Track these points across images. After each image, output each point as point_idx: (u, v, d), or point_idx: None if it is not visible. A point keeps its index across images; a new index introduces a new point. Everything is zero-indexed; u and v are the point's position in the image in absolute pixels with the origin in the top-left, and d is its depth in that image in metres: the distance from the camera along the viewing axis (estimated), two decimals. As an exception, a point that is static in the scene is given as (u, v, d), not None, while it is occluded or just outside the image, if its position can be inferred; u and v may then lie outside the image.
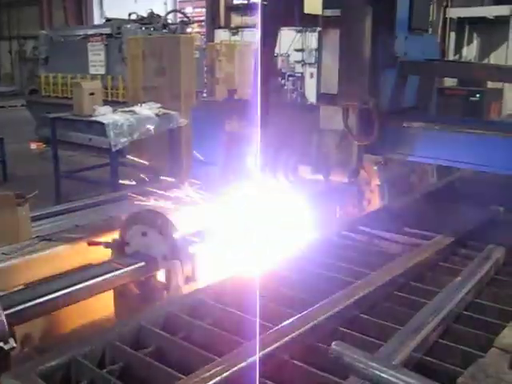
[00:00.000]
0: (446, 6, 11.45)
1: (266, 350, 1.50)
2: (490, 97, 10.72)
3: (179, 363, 1.60)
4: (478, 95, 10.53)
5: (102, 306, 2.32)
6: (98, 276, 2.03)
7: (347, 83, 2.47)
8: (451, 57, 12.26)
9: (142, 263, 2.16)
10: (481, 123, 3.28)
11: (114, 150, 6.67)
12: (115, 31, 9.79)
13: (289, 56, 14.37)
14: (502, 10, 10.88)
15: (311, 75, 14.70)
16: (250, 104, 2.72)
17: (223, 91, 11.89)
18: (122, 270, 2.09)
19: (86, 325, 2.32)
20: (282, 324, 1.64)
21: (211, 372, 1.42)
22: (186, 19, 11.76)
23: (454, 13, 11.51)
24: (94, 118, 6.88)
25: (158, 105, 7.42)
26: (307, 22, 2.78)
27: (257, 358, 1.44)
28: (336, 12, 2.51)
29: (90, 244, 2.33)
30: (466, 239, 2.50)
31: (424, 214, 2.92)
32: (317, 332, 1.67)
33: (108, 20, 11.49)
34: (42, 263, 2.29)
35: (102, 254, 2.40)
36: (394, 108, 2.67)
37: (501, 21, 11.37)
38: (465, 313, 1.85)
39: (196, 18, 14.95)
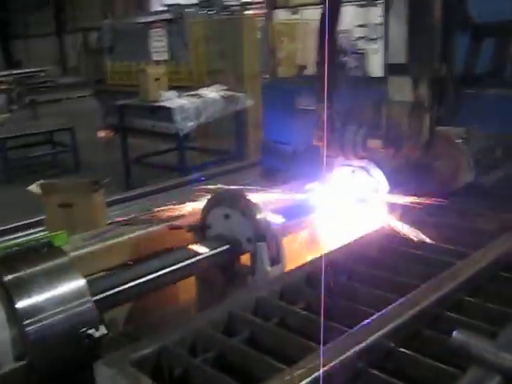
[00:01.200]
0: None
1: (371, 339, 1.37)
2: None
3: (275, 350, 1.51)
4: None
5: (185, 291, 2.27)
6: (181, 261, 1.96)
7: (417, 50, 2.29)
8: None
9: (226, 246, 2.08)
10: None
11: (181, 134, 6.68)
12: (176, 16, 9.80)
13: (350, 32, 13.96)
14: None
15: (374, 51, 14.25)
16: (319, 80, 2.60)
17: (285, 72, 11.75)
18: (205, 254, 2.02)
19: (170, 310, 2.28)
20: (386, 309, 1.51)
21: (313, 363, 1.31)
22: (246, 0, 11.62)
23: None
24: (160, 103, 6.91)
25: (224, 87, 7.37)
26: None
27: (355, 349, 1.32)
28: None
29: (171, 228, 2.27)
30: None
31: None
32: (423, 318, 1.53)
33: (168, 6, 11.53)
34: (124, 248, 2.26)
35: (184, 237, 2.35)
36: (469, 75, 2.46)
37: None
38: None
39: (255, -1, 14.76)
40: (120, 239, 2.28)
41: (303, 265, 1.96)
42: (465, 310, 1.63)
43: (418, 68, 2.38)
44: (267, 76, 11.06)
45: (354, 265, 1.98)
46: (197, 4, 10.45)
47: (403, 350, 1.41)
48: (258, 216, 2.08)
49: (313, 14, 14.10)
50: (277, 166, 3.07)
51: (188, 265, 1.99)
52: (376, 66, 14.03)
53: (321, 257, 1.94)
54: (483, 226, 2.22)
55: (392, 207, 2.44)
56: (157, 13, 11.58)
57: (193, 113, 6.75)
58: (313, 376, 1.26)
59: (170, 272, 1.91)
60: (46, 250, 1.63)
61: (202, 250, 2.04)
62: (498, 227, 2.20)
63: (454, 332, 1.20)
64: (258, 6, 15.23)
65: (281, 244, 2.09)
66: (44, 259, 1.58)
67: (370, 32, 14.14)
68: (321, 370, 1.25)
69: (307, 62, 11.65)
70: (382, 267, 1.94)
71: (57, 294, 1.52)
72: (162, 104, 6.83)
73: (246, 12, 11.88)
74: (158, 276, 1.87)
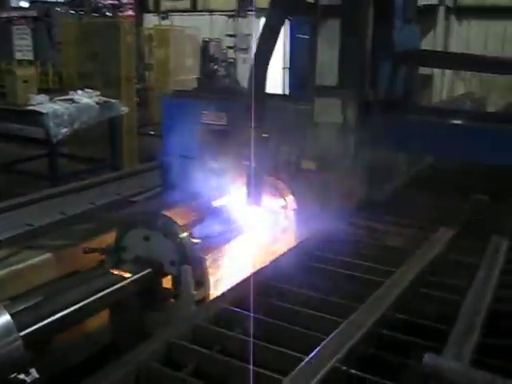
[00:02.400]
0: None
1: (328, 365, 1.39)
2: (421, 83, 11.06)
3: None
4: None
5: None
6: (105, 288, 1.84)
7: (349, 75, 2.40)
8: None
9: (148, 270, 2.00)
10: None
11: (54, 141, 6.28)
12: (43, 14, 9.22)
13: (221, 42, 14.16)
14: (430, -1, 11.20)
15: (243, 60, 14.58)
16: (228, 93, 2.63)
17: (155, 78, 11.56)
18: (129, 280, 1.92)
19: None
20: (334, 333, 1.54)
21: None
22: (116, 2, 11.28)
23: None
24: (31, 108, 6.43)
25: (98, 92, 7.05)
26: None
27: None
28: (334, 1, 2.42)
29: (85, 252, 2.13)
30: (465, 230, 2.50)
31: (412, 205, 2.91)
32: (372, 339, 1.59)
33: (33, 2, 10.81)
34: (30, 273, 2.08)
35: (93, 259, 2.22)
36: (390, 98, 2.65)
37: (429, 9, 11.73)
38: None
39: (126, 1, 14.36)
40: (27, 263, 2.10)
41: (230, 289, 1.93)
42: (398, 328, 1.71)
43: (349, 92, 2.50)
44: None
45: (280, 285, 2.00)
46: (64, 3, 9.93)
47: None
48: (181, 237, 2.03)
49: (182, 21, 14.09)
50: (177, 184, 3.01)
51: (114, 291, 1.88)
52: (245, 74, 14.40)
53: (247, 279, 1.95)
54: (392, 243, 2.38)
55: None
56: (21, 9, 10.79)
57: (67, 119, 6.38)
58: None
59: (96, 300, 1.79)
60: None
61: (124, 274, 1.94)
62: (403, 243, 2.38)
63: (425, 356, 1.26)
64: (130, 8, 14.86)
65: (205, 266, 2.06)
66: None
67: (240, 42, 14.47)
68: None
69: (176, 70, 11.59)
70: (307, 286, 2.00)
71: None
72: (32, 108, 6.36)
73: (118, 14, 11.55)
74: (83, 306, 1.75)
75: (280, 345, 1.56)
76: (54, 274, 2.13)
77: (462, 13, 12.07)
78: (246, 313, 1.73)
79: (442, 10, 11.19)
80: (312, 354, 1.39)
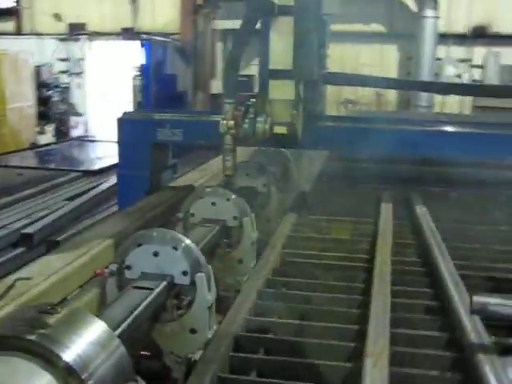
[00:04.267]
0: (213, 18, 12.25)
1: None
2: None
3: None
4: (253, 99, 11.57)
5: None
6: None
7: (301, 60, 2.83)
8: (219, 65, 13.18)
9: (164, 284, 2.08)
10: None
11: None
12: None
13: (52, 66, 13.60)
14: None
15: (78, 85, 14.18)
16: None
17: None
18: (154, 293, 1.99)
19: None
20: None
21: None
22: None
23: (219, 24, 12.37)
24: None
25: None
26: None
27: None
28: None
29: (94, 276, 2.12)
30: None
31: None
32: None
33: None
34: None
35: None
36: None
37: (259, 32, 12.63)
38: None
39: None
40: (27, 296, 2.03)
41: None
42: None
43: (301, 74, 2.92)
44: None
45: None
46: None
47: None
48: (192, 248, 2.15)
49: (7, 45, 13.23)
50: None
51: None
52: (81, 99, 13.99)
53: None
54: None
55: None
56: None
57: None
58: None
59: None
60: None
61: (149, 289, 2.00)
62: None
63: (474, 296, 1.56)
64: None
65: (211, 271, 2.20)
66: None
67: (73, 66, 14.02)
68: None
69: (14, 96, 10.93)
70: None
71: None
72: None
73: None
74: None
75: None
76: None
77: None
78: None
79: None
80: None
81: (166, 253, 2.13)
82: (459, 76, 12.57)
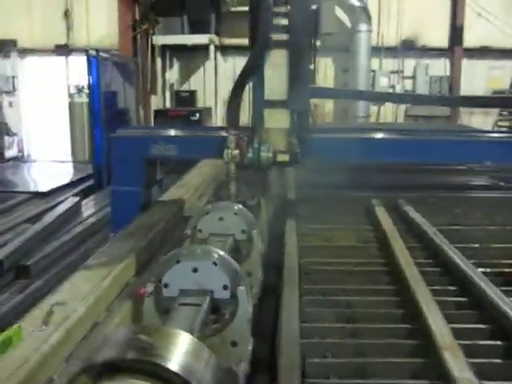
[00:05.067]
0: (153, 34, 12.19)
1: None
2: (204, 115, 11.95)
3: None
4: (197, 114, 11.63)
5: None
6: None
7: (296, 91, 2.95)
8: (160, 79, 13.11)
9: (208, 298, 2.09)
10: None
11: None
12: None
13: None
14: (200, 39, 12.12)
15: (10, 104, 13.66)
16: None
17: None
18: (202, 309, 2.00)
19: None
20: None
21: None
22: None
23: (158, 40, 12.32)
24: None
25: None
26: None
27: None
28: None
29: (135, 299, 2.09)
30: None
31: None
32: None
33: None
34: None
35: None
36: None
37: (198, 48, 12.69)
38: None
39: None
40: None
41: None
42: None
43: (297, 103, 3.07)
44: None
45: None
46: None
47: None
48: (231, 262, 2.17)
49: None
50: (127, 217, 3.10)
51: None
52: (14, 118, 13.47)
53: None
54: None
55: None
56: None
57: None
58: None
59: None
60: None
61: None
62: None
63: None
64: None
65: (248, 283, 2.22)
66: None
67: (3, 84, 13.48)
68: None
69: None
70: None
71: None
72: None
73: None
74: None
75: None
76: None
77: (227, 51, 13.34)
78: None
79: (212, 48, 12.20)
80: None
81: (205, 268, 2.14)
82: (392, 87, 13.17)
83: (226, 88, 13.54)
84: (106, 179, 8.90)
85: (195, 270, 2.15)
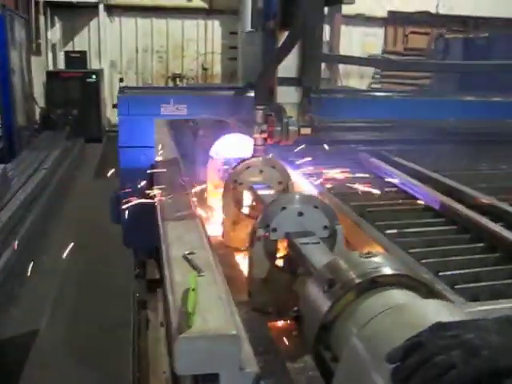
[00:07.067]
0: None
1: None
2: (100, 76, 11.57)
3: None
4: (94, 76, 11.22)
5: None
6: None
7: (310, 70, 3.27)
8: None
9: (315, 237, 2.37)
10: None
11: None
12: None
13: None
14: (88, -4, 11.62)
15: None
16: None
17: None
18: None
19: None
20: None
21: None
22: None
23: (42, -4, 11.56)
24: None
25: None
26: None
27: None
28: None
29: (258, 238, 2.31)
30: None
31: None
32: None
33: None
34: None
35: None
36: None
37: (83, 6, 12.13)
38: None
39: None
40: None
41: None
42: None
43: (308, 80, 3.24)
44: None
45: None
46: None
47: None
48: (327, 205, 2.47)
49: None
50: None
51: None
52: None
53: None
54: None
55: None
56: None
57: None
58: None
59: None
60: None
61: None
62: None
63: None
64: None
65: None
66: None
67: None
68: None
69: None
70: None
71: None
72: None
73: None
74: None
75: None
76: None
77: (113, 10, 12.90)
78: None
79: (101, 7, 11.74)
80: None
81: (309, 212, 2.42)
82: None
83: (113, 50, 13.15)
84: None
85: (300, 214, 2.42)
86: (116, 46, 13.18)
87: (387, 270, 1.59)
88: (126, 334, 3.82)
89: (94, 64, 12.70)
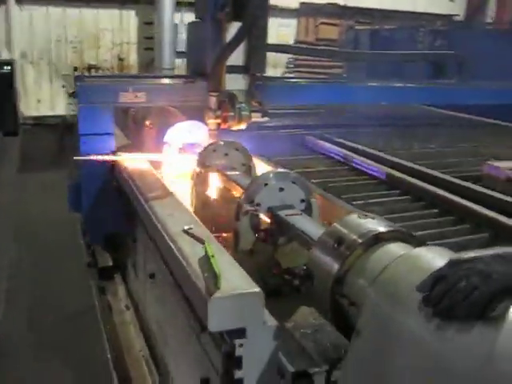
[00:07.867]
0: None
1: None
2: (13, 67, 11.10)
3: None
4: (7, 67, 10.76)
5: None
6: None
7: (255, 59, 3.53)
8: None
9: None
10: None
11: None
12: None
13: None
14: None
15: None
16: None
17: None
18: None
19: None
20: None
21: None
22: None
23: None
24: None
25: None
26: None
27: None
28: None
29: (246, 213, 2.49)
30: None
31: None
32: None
33: None
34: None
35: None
36: None
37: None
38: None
39: None
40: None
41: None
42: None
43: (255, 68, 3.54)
44: None
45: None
46: None
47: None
48: (303, 179, 2.69)
49: None
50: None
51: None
52: None
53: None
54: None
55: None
56: None
57: None
58: None
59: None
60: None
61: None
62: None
63: None
64: None
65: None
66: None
67: None
68: None
69: None
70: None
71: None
72: None
73: None
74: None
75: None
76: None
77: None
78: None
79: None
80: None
81: (288, 187, 2.64)
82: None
83: (22, 40, 12.65)
84: None
85: (281, 189, 2.64)
86: (27, 36, 12.66)
87: (385, 227, 1.84)
88: (91, 319, 3.88)
89: (2, 54, 12.15)
